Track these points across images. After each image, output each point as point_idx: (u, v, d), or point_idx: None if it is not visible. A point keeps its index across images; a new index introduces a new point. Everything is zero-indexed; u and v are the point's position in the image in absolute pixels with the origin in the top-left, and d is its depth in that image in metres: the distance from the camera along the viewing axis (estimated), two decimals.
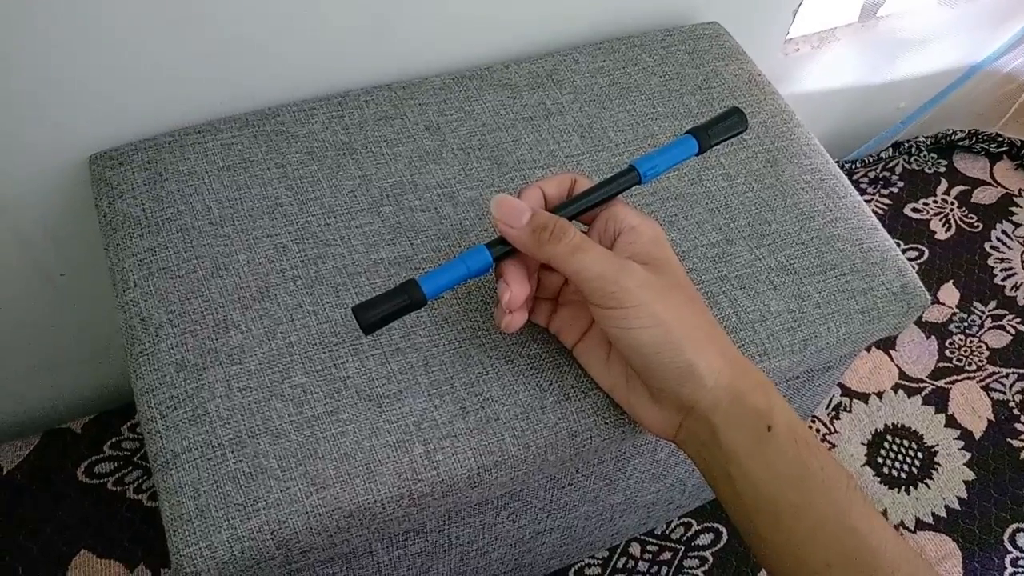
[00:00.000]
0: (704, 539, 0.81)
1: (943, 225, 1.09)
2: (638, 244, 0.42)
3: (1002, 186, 1.14)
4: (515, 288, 0.42)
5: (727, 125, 0.45)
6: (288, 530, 0.40)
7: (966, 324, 1.00)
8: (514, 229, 0.41)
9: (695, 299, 0.43)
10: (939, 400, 0.93)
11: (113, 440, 0.75)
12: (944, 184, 1.13)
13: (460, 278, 0.41)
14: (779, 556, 0.39)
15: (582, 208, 0.43)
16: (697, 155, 0.45)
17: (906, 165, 1.14)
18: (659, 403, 0.42)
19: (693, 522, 0.81)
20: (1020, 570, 0.82)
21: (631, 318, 0.39)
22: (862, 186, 1.12)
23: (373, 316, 0.39)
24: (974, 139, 1.15)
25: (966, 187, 1.13)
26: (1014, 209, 1.11)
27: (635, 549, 0.79)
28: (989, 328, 1.00)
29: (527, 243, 0.41)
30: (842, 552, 0.38)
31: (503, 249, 0.42)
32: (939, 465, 0.88)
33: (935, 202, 1.11)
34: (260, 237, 0.49)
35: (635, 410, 0.44)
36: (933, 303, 1.01)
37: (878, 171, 1.13)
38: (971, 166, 1.16)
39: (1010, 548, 0.83)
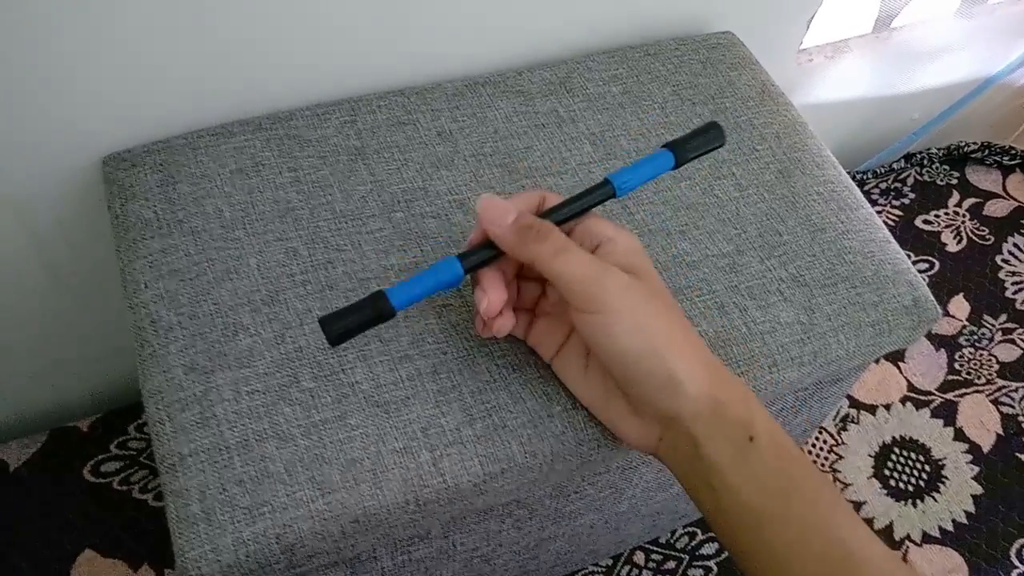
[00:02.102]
0: (708, 549, 0.80)
1: (954, 237, 1.08)
2: (616, 254, 0.41)
3: (1014, 199, 1.13)
4: (492, 295, 0.41)
5: (705, 140, 0.45)
6: (293, 535, 0.40)
7: (976, 337, 0.99)
8: (499, 228, 0.40)
9: (675, 309, 0.42)
10: (948, 413, 0.92)
11: (119, 439, 0.75)
12: (956, 196, 1.13)
13: (430, 290, 0.41)
14: (763, 568, 0.39)
15: (558, 220, 0.42)
16: (673, 169, 0.44)
17: (918, 177, 1.14)
18: (639, 415, 0.42)
19: (698, 531, 0.81)
20: None
21: (613, 324, 0.39)
22: (873, 197, 1.11)
23: (340, 328, 0.39)
24: (987, 151, 1.15)
25: (978, 199, 1.13)
26: None
27: (639, 558, 0.79)
28: (999, 342, 0.99)
29: (511, 242, 0.40)
30: (827, 564, 0.37)
31: (475, 260, 0.41)
32: (947, 479, 0.88)
33: (947, 214, 1.11)
34: (271, 241, 0.49)
35: (614, 423, 0.44)
36: (943, 316, 1.01)
37: (890, 182, 1.13)
38: (983, 179, 1.15)
39: (1017, 563, 0.82)
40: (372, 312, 0.39)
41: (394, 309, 0.40)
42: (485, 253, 0.42)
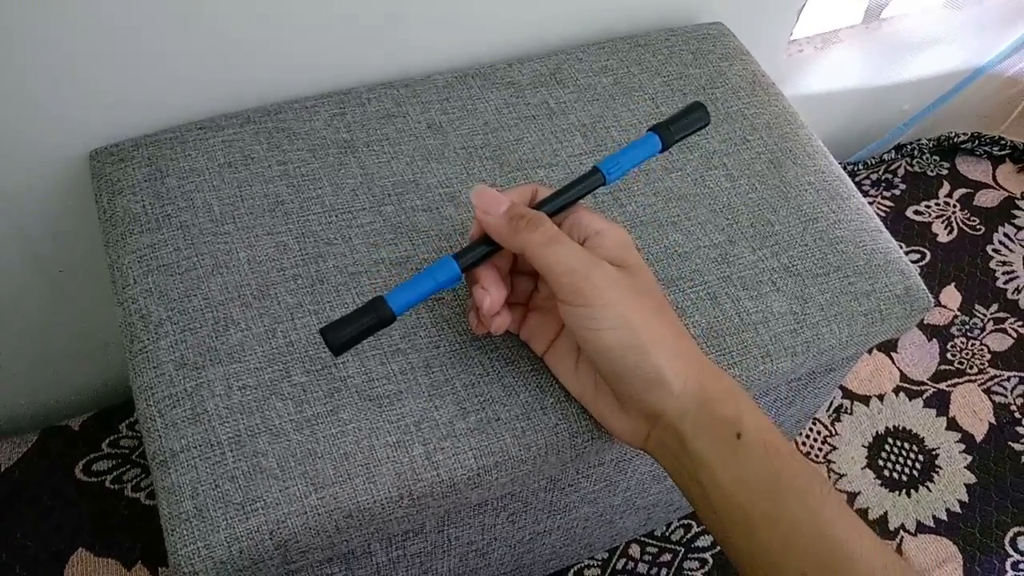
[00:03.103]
0: (704, 541, 0.80)
1: (945, 228, 1.08)
2: (606, 248, 0.41)
3: (1004, 189, 1.14)
4: (494, 293, 0.41)
5: (690, 120, 0.45)
6: (287, 530, 0.40)
7: (968, 327, 0.99)
8: (491, 216, 0.40)
9: (664, 305, 0.42)
10: (940, 403, 0.93)
11: (111, 438, 0.75)
12: (946, 187, 1.13)
13: (428, 292, 0.40)
14: (754, 564, 0.39)
15: (551, 211, 0.42)
16: (661, 152, 0.44)
17: (908, 167, 1.14)
18: (627, 411, 0.42)
19: (693, 524, 0.81)
20: (1021, 574, 0.82)
21: (599, 318, 0.39)
22: (864, 188, 1.11)
23: (342, 337, 0.39)
24: (977, 142, 1.15)
25: (968, 190, 1.13)
26: (1016, 212, 1.11)
27: (635, 550, 0.79)
28: (991, 331, 0.99)
29: (503, 230, 0.40)
30: (818, 559, 0.37)
31: (471, 258, 0.41)
32: (940, 468, 0.88)
33: (937, 204, 1.11)
34: (261, 235, 0.49)
35: (604, 419, 0.44)
36: (935, 306, 1.01)
37: (880, 173, 1.13)
38: (974, 169, 1.15)
39: (1011, 552, 0.83)
40: (373, 319, 0.39)
41: (394, 314, 0.39)
42: (480, 250, 0.41)
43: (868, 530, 0.38)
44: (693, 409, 0.39)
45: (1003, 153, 1.16)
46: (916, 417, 0.92)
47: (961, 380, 0.95)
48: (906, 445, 0.89)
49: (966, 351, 0.97)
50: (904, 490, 0.86)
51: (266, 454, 0.41)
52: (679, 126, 0.44)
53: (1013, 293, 1.03)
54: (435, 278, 0.40)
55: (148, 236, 0.48)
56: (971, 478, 0.88)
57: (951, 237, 1.08)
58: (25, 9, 0.46)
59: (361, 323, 0.39)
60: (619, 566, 0.78)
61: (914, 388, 0.94)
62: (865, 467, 0.87)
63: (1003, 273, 1.05)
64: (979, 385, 0.95)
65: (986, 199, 1.12)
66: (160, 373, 0.44)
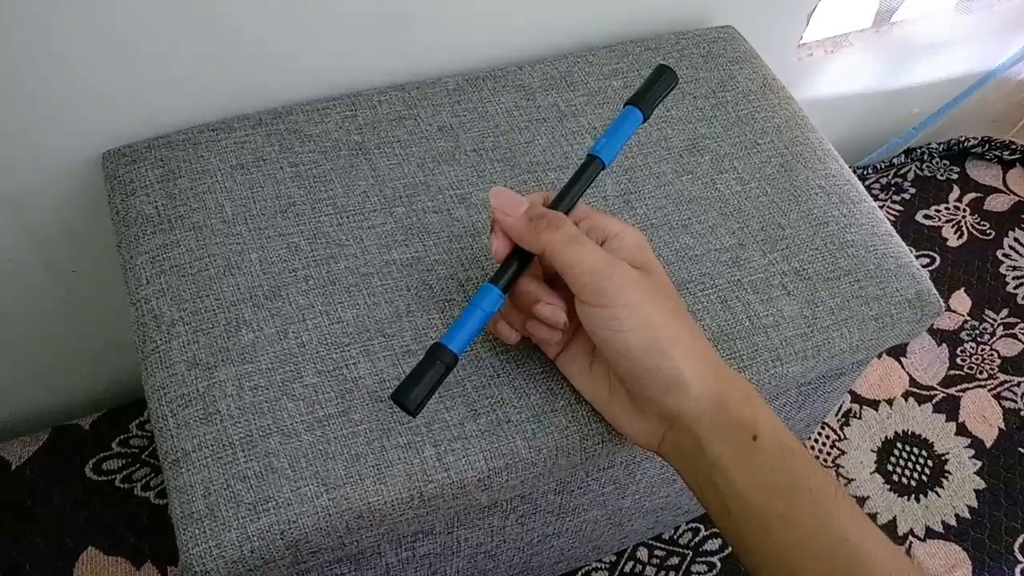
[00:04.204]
0: (712, 544, 0.80)
1: (955, 232, 1.08)
2: (623, 249, 0.41)
3: (1015, 194, 1.13)
4: (558, 301, 0.41)
5: (661, 85, 0.45)
6: (298, 530, 0.40)
7: (977, 332, 0.99)
8: (510, 218, 0.40)
9: (680, 307, 0.42)
10: (950, 408, 0.92)
11: (121, 437, 0.75)
12: (956, 191, 1.13)
13: (481, 323, 0.40)
14: (768, 567, 0.39)
15: (567, 207, 0.43)
16: (643, 122, 0.45)
17: (918, 171, 1.14)
18: (642, 413, 0.42)
19: (701, 527, 0.81)
20: None
21: (621, 318, 0.39)
22: (874, 192, 1.11)
23: (416, 398, 0.38)
24: (987, 146, 1.15)
25: (978, 194, 1.12)
26: None
27: (643, 554, 0.79)
28: (1001, 336, 0.99)
29: (523, 231, 0.40)
30: (832, 562, 0.37)
31: (508, 278, 0.41)
32: (949, 473, 0.88)
33: (947, 209, 1.11)
34: (272, 236, 0.49)
35: (618, 421, 0.44)
36: (945, 310, 1.01)
37: (890, 177, 1.13)
38: (984, 173, 1.15)
39: (1020, 558, 0.82)
40: (440, 369, 0.38)
41: (456, 356, 0.39)
42: (513, 268, 0.41)
43: (881, 534, 0.38)
44: (711, 411, 0.39)
45: (1014, 157, 1.15)
46: (925, 422, 0.91)
47: (971, 385, 0.95)
48: (915, 450, 0.89)
49: (976, 356, 0.97)
50: (913, 495, 0.86)
51: (278, 454, 0.42)
52: (653, 94, 0.45)
53: (1023, 298, 1.03)
54: (482, 308, 0.40)
55: (161, 237, 0.48)
56: (980, 484, 0.87)
57: (961, 242, 1.07)
58: (36, 12, 0.46)
59: (430, 377, 0.38)
60: (627, 569, 0.78)
61: (923, 393, 0.93)
62: (874, 472, 0.87)
63: (1013, 278, 1.04)
64: (989, 390, 0.94)
65: (996, 204, 1.12)
66: (172, 373, 0.44)
